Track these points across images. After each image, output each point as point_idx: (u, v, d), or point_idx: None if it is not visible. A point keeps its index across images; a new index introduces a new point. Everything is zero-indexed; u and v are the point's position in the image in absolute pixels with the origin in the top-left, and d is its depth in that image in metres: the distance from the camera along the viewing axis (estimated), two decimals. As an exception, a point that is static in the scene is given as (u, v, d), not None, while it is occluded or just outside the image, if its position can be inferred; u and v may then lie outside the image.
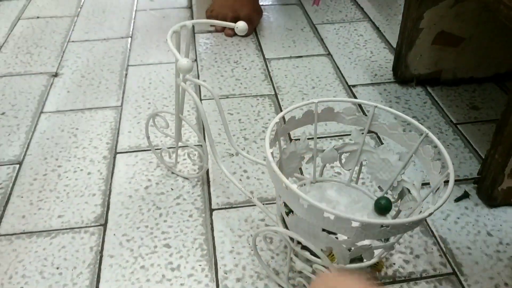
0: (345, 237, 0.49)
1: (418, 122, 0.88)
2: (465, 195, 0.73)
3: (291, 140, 0.83)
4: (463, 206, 0.72)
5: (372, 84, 0.99)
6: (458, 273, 0.62)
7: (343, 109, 0.61)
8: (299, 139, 0.71)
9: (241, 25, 0.63)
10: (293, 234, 0.52)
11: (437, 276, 0.62)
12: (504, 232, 0.68)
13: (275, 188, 0.53)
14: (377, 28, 1.20)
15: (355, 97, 0.94)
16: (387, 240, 0.56)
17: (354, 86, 0.98)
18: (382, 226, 0.46)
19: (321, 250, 0.51)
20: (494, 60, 0.95)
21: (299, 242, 0.56)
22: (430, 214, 0.47)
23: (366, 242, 0.51)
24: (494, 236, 0.67)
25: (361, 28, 1.20)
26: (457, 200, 0.73)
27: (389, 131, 0.60)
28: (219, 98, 0.95)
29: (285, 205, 0.62)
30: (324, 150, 0.64)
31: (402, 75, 0.97)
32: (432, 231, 0.68)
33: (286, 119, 0.59)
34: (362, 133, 0.61)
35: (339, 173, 0.76)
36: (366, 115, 0.61)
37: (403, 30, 0.93)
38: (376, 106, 0.60)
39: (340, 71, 1.03)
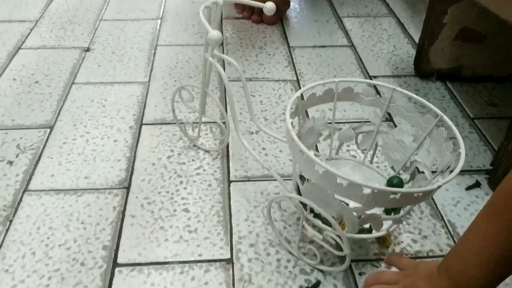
0: (356, 206, 0.52)
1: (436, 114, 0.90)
2: (477, 185, 0.75)
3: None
4: (474, 194, 0.74)
5: (393, 76, 1.01)
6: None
7: (363, 90, 0.64)
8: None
9: (269, 5, 0.66)
10: (307, 201, 0.54)
11: (443, 256, 0.64)
12: (512, 221, 0.69)
13: (292, 157, 0.56)
14: (401, 24, 1.22)
15: (376, 88, 0.96)
16: (396, 213, 0.59)
17: (375, 77, 1.00)
18: (391, 194, 0.48)
19: (333, 217, 0.54)
20: (515, 59, 0.97)
21: (311, 211, 0.59)
22: (439, 187, 0.49)
23: (377, 212, 0.54)
24: (502, 224, 0.69)
25: (385, 23, 1.22)
26: (468, 188, 0.74)
27: (405, 113, 0.62)
28: (243, 80, 0.98)
29: (301, 177, 0.65)
30: (341, 128, 0.66)
31: (423, 69, 0.99)
32: (441, 215, 0.70)
33: (307, 96, 0.62)
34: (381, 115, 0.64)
35: (354, 157, 0.78)
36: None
37: (427, 24, 0.95)
38: (394, 89, 0.62)
39: (362, 62, 1.06)
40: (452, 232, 0.67)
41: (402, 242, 0.66)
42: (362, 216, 0.52)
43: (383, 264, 0.63)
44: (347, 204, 0.54)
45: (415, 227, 0.68)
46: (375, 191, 0.48)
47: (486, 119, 0.89)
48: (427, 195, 0.50)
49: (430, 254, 0.64)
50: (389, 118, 0.87)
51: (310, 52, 1.09)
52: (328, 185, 0.50)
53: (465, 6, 0.90)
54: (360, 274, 0.61)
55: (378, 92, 0.94)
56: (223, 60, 1.05)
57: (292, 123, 0.55)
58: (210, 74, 0.72)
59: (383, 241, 0.64)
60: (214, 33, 0.57)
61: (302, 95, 0.61)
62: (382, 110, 0.63)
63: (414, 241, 0.66)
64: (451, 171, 0.51)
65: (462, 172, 0.78)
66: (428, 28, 0.94)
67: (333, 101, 0.63)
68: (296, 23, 1.21)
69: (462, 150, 0.53)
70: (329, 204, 0.53)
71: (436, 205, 0.72)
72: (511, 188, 0.43)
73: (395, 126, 0.85)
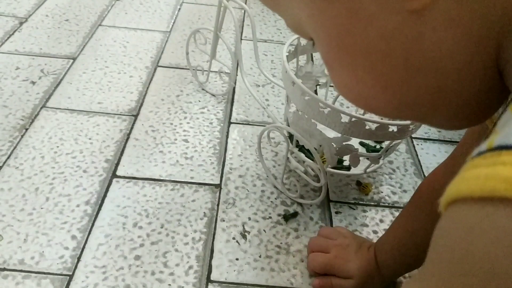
0: (336, 136, 0.56)
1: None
2: (464, 154, 0.78)
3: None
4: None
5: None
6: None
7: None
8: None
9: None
10: (292, 130, 0.59)
11: (418, 209, 0.68)
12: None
13: (285, 89, 0.60)
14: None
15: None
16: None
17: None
18: (367, 124, 0.52)
19: (314, 149, 0.58)
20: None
21: (297, 146, 0.63)
22: (412, 123, 0.53)
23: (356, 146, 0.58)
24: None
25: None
26: (455, 157, 0.78)
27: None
28: (258, 41, 1.03)
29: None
30: (337, 78, 0.70)
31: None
32: (424, 175, 0.73)
33: (308, 42, 0.66)
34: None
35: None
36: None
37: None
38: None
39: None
40: (431, 190, 0.71)
41: (382, 192, 0.70)
42: (340, 146, 0.56)
43: (359, 208, 0.67)
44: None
45: (396, 182, 0.72)
46: (353, 119, 0.52)
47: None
48: (402, 131, 0.54)
49: (407, 205, 0.68)
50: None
51: (327, 24, 1.13)
52: (311, 112, 0.54)
53: None
54: (336, 213, 0.65)
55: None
56: (243, 20, 1.09)
57: (288, 55, 0.59)
58: (224, 18, 0.77)
59: (363, 188, 0.68)
60: (228, -31, 0.61)
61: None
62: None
63: (394, 193, 0.70)
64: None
65: (453, 142, 0.81)
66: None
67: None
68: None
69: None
70: (311, 134, 0.57)
71: (421, 166, 0.75)
72: (427, 189, 0.50)
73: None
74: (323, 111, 0.53)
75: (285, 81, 0.59)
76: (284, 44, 1.02)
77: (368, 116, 0.66)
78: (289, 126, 0.63)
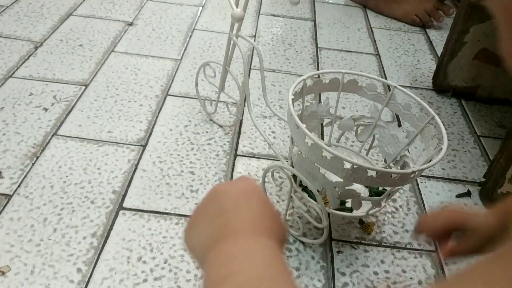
0: (338, 181, 0.57)
1: (444, 127, 0.94)
2: (467, 193, 0.78)
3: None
4: (463, 202, 0.77)
5: (410, 87, 1.05)
6: (439, 252, 0.68)
7: (367, 84, 0.69)
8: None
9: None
10: (296, 172, 0.60)
11: (419, 250, 0.68)
12: (495, 231, 0.73)
13: (290, 131, 0.61)
14: (430, 42, 1.26)
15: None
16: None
17: (392, 85, 1.05)
18: (369, 172, 0.53)
19: (317, 191, 0.59)
20: (532, 87, 0.99)
21: (300, 185, 0.64)
22: (413, 172, 0.54)
23: (358, 190, 0.59)
24: (483, 232, 0.72)
25: (414, 39, 1.26)
26: (459, 196, 0.78)
27: (402, 110, 0.67)
28: (267, 71, 1.05)
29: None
30: (343, 118, 0.72)
31: (440, 83, 1.02)
32: (426, 213, 0.74)
33: (313, 82, 0.68)
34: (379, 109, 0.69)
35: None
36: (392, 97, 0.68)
37: (449, 40, 0.99)
38: (395, 87, 0.67)
39: (383, 70, 1.10)
40: (433, 230, 0.71)
41: (384, 232, 0.70)
42: (342, 190, 0.57)
43: (361, 247, 0.67)
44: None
45: (399, 221, 0.72)
46: (355, 166, 0.53)
47: (492, 138, 0.92)
48: (403, 179, 0.55)
49: (408, 246, 0.68)
50: (396, 118, 0.92)
51: (336, 54, 1.14)
52: (314, 157, 0.56)
53: (488, 28, 0.93)
54: (338, 252, 0.66)
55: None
56: (252, 50, 1.11)
57: (293, 102, 0.61)
58: (233, 54, 0.78)
59: (366, 227, 0.69)
60: (237, 11, 0.63)
61: (309, 78, 0.66)
62: (382, 105, 0.68)
63: (396, 232, 0.70)
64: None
65: (456, 181, 0.81)
66: (449, 44, 0.98)
67: (338, 91, 0.69)
68: (328, 27, 1.27)
69: (445, 146, 0.58)
70: (315, 176, 0.58)
71: (424, 205, 0.76)
72: None
73: (399, 125, 0.90)
74: (325, 157, 0.55)
75: (290, 123, 0.60)
76: (293, 74, 1.04)
77: (370, 163, 0.67)
78: (293, 165, 0.64)
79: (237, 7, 0.70)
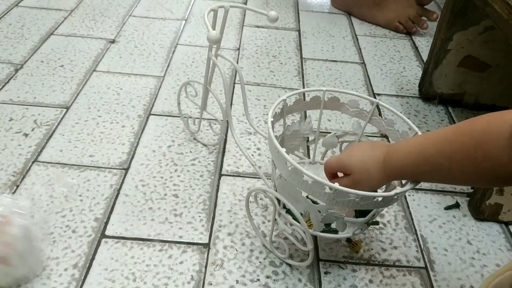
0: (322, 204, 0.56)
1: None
2: (456, 205, 0.77)
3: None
4: (452, 214, 0.76)
5: (397, 95, 1.04)
6: (429, 268, 0.67)
7: (348, 101, 0.68)
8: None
9: (272, 14, 0.71)
10: (278, 195, 0.59)
11: (408, 267, 0.67)
12: (484, 243, 0.72)
13: (271, 154, 0.60)
14: (415, 47, 1.25)
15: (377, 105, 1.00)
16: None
17: (378, 94, 1.04)
18: (351, 196, 0.52)
19: (301, 214, 0.58)
20: (519, 91, 0.98)
21: (284, 207, 0.63)
22: (396, 194, 0.53)
23: (343, 214, 0.57)
24: (473, 245, 0.72)
25: (400, 45, 1.26)
26: (447, 208, 0.77)
27: (385, 127, 0.66)
28: (251, 85, 1.04)
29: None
30: (326, 135, 0.71)
31: (426, 91, 1.02)
32: (415, 229, 0.73)
33: (294, 102, 0.67)
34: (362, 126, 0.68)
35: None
36: (381, 116, 0.67)
37: (433, 48, 0.98)
38: (378, 103, 0.66)
39: (369, 79, 1.09)
40: (422, 246, 0.70)
41: (372, 249, 0.69)
42: (325, 214, 0.56)
43: (349, 267, 0.66)
44: (316, 203, 0.58)
45: (387, 237, 0.71)
46: (336, 190, 0.52)
47: (480, 145, 0.91)
48: (386, 201, 0.54)
49: (397, 263, 0.67)
50: (384, 136, 0.91)
51: (321, 65, 1.13)
52: (295, 181, 0.54)
53: (471, 34, 0.93)
54: (325, 273, 0.65)
55: (379, 111, 0.97)
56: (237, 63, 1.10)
57: (274, 123, 0.60)
58: (213, 72, 0.77)
59: (353, 246, 0.68)
60: (213, 33, 0.62)
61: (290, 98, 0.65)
62: (365, 122, 0.67)
63: (384, 249, 0.69)
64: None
65: (444, 192, 0.80)
66: (433, 52, 0.98)
67: (320, 109, 0.68)
68: (313, 36, 1.26)
69: (428, 164, 0.57)
70: (297, 200, 0.57)
71: (412, 219, 0.75)
72: (477, 125, 0.46)
73: (387, 137, 0.89)
74: (306, 181, 0.53)
75: (270, 146, 0.59)
76: (277, 87, 1.03)
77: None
78: (276, 188, 0.63)
79: (214, 28, 0.69)
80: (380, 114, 0.95)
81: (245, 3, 1.42)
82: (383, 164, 0.54)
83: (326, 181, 0.52)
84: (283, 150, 0.54)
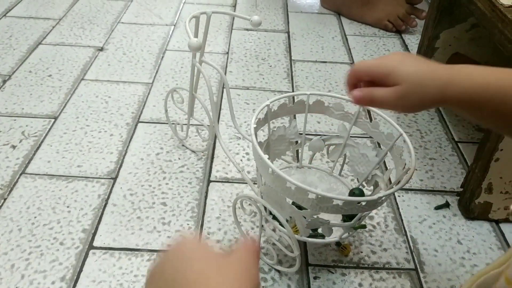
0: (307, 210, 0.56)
1: (421, 135, 0.93)
2: (446, 205, 0.77)
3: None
4: (442, 214, 0.76)
5: (386, 95, 1.04)
6: (419, 270, 0.67)
7: (333, 104, 0.68)
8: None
9: (255, 18, 0.70)
10: (264, 202, 0.59)
11: (398, 269, 0.67)
12: (475, 243, 0.72)
13: (255, 161, 0.60)
14: (405, 46, 1.25)
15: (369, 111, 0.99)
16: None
17: (368, 94, 1.04)
18: (334, 201, 0.52)
19: (287, 220, 0.58)
20: (508, 87, 0.98)
21: (270, 213, 0.63)
22: (379, 198, 0.52)
23: (328, 218, 0.57)
24: (463, 244, 0.71)
25: (390, 44, 1.25)
26: (437, 208, 0.77)
27: (371, 129, 0.65)
28: (240, 89, 1.03)
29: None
30: (312, 139, 0.70)
31: (415, 90, 1.01)
32: (405, 230, 0.73)
33: (278, 106, 0.66)
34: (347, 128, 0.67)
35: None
36: (370, 119, 0.67)
37: (420, 47, 0.98)
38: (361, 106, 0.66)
39: (358, 79, 1.09)
40: (412, 247, 0.70)
41: (362, 252, 0.69)
42: (310, 219, 0.56)
43: (338, 271, 0.66)
44: (301, 209, 0.58)
45: (377, 240, 0.71)
46: (319, 196, 0.51)
47: (470, 143, 0.91)
48: (371, 205, 0.54)
49: (387, 266, 0.67)
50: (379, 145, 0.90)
51: (310, 66, 1.13)
52: (279, 188, 0.54)
53: (458, 32, 0.92)
54: (315, 278, 0.65)
55: (369, 112, 0.97)
56: (226, 66, 1.10)
57: (257, 129, 0.59)
58: (199, 78, 0.77)
59: (342, 249, 0.68)
60: (194, 40, 0.62)
61: (273, 103, 0.65)
62: (350, 125, 0.67)
63: (374, 252, 0.69)
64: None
65: (435, 192, 0.80)
66: (421, 51, 0.97)
67: (304, 112, 0.67)
68: (302, 37, 1.25)
69: (412, 167, 0.56)
70: (282, 206, 0.57)
71: (402, 220, 0.74)
72: None
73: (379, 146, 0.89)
74: (290, 187, 0.53)
75: (254, 153, 0.59)
76: (267, 90, 1.02)
77: (335, 193, 0.65)
78: (262, 194, 0.63)
79: (197, 35, 0.68)
80: (369, 115, 0.95)
81: (235, 5, 1.42)
82: (446, 82, 0.43)
83: (309, 187, 0.52)
84: (265, 157, 0.54)
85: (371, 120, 0.90)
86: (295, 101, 0.67)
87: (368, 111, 0.97)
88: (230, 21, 1.32)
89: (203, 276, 0.31)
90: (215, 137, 0.87)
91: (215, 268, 0.32)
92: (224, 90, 1.02)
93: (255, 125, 0.59)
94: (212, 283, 0.30)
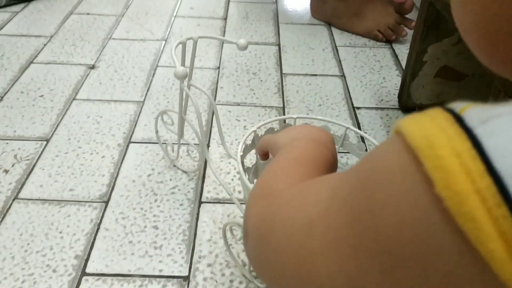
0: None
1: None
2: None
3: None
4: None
5: (376, 108, 1.05)
6: None
7: (320, 126, 0.68)
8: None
9: (242, 42, 0.71)
10: (252, 229, 0.59)
11: None
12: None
13: (242, 188, 0.61)
14: (395, 56, 1.26)
15: (357, 119, 1.00)
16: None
17: (358, 108, 1.05)
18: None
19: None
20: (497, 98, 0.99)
21: (260, 238, 0.64)
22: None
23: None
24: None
25: (380, 54, 1.26)
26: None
27: (357, 151, 0.66)
28: (231, 105, 1.04)
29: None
30: (300, 161, 0.71)
31: (405, 103, 1.02)
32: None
33: (265, 131, 0.67)
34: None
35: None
36: (364, 141, 0.68)
37: (409, 60, 0.99)
38: (348, 128, 0.67)
39: (349, 92, 1.10)
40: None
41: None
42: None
43: None
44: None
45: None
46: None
47: (460, 156, 0.92)
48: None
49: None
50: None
51: (300, 80, 1.14)
52: (266, 217, 0.55)
53: (445, 45, 0.93)
54: (305, 299, 0.65)
55: (359, 126, 0.98)
56: (216, 83, 1.11)
57: (242, 155, 0.60)
58: (188, 101, 0.78)
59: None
60: (180, 69, 0.62)
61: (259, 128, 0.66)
62: (337, 146, 0.68)
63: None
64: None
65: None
66: (409, 65, 0.98)
67: (292, 136, 0.68)
68: (293, 50, 1.26)
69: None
70: (270, 233, 0.57)
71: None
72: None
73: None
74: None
75: (241, 180, 0.59)
76: (257, 106, 1.03)
77: None
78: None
79: (184, 61, 0.69)
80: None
81: (225, 18, 1.42)
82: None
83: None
84: (251, 186, 0.55)
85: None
86: (282, 125, 0.67)
87: (358, 125, 0.98)
88: (221, 35, 1.32)
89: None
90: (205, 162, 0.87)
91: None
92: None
93: (241, 153, 0.60)
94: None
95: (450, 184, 0.18)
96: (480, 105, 0.21)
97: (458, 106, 0.22)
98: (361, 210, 0.23)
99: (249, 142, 0.65)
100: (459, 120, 0.20)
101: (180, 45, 0.70)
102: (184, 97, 0.76)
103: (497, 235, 0.17)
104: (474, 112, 0.21)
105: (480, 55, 0.28)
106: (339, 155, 0.72)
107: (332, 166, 0.41)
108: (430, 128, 0.20)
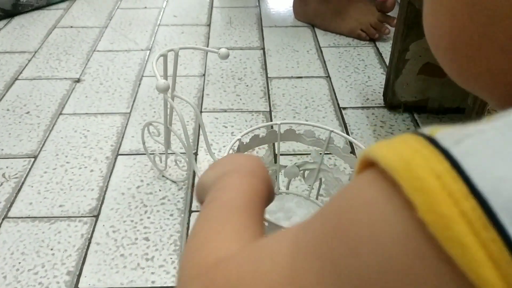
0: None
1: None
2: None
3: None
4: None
5: (362, 107, 1.06)
6: None
7: (304, 131, 0.69)
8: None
9: (223, 51, 0.72)
10: (240, 237, 0.60)
11: None
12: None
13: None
14: (379, 54, 1.27)
15: (343, 119, 1.01)
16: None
17: (344, 108, 1.05)
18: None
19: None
20: (480, 92, 1.00)
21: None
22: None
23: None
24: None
25: (364, 53, 1.27)
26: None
27: (342, 153, 0.67)
28: (218, 112, 1.05)
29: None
30: (286, 166, 0.71)
31: (390, 101, 1.03)
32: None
33: (250, 139, 0.68)
34: (320, 154, 0.69)
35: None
36: (354, 144, 0.68)
37: (391, 59, 0.99)
38: (332, 131, 0.67)
39: (334, 93, 1.10)
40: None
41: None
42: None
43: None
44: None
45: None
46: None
47: (446, 151, 0.93)
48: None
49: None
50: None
51: (286, 83, 1.14)
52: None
53: (426, 43, 0.94)
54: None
55: (346, 129, 0.99)
56: (203, 90, 1.11)
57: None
58: (172, 112, 0.78)
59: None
60: (161, 82, 0.63)
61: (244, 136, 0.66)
62: (323, 150, 0.68)
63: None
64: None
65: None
66: (392, 63, 0.99)
67: (277, 142, 0.69)
68: (277, 53, 1.27)
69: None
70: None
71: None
72: None
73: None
74: (264, 223, 0.54)
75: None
76: (244, 111, 1.03)
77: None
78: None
79: (166, 73, 0.69)
80: (347, 133, 0.96)
81: (209, 24, 1.43)
82: None
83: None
84: (237, 196, 0.55)
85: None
86: (267, 131, 0.68)
87: (346, 128, 0.99)
88: (205, 41, 1.33)
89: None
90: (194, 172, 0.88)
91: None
92: (202, 114, 1.03)
93: (226, 162, 0.60)
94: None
95: (434, 207, 0.17)
96: (448, 127, 0.21)
97: (426, 130, 0.21)
98: (336, 256, 0.20)
99: (234, 150, 0.66)
100: (432, 141, 0.19)
101: (162, 57, 0.71)
102: (168, 108, 0.76)
103: (487, 259, 0.16)
104: (446, 133, 0.19)
105: (448, 68, 0.28)
106: (326, 157, 0.73)
107: (267, 197, 0.37)
108: (404, 150, 0.19)
